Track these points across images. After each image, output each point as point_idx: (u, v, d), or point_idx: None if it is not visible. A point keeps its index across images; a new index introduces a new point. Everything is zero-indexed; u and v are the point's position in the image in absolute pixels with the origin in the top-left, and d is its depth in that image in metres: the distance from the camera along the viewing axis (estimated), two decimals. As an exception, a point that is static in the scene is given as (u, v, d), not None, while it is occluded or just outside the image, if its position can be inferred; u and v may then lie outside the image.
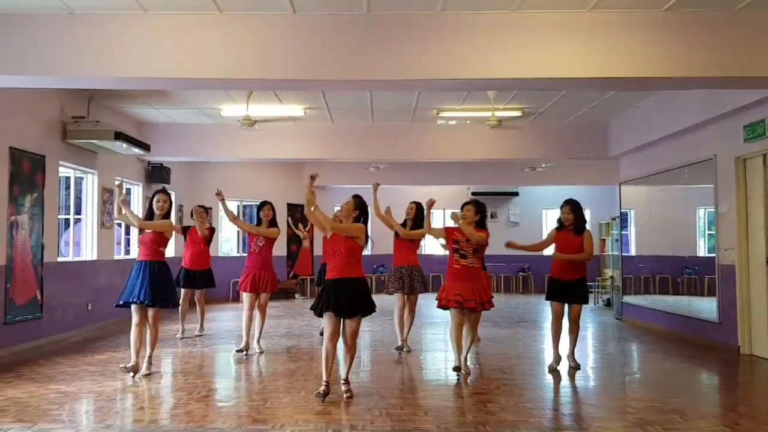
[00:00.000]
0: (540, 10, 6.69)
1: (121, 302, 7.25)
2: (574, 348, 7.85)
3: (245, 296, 8.80)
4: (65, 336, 10.02)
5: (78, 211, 11.13)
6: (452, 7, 6.65)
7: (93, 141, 10.26)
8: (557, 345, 7.92)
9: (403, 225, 8.79)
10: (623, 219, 13.47)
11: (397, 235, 8.77)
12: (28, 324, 9.06)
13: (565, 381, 7.30)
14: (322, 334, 10.12)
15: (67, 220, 10.87)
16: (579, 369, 7.70)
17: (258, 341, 8.86)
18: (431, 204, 7.73)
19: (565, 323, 7.85)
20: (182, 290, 10.21)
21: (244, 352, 8.68)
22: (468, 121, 12.36)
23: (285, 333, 10.68)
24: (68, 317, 10.23)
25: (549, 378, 7.51)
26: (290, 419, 5.57)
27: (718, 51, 6.62)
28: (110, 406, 6.14)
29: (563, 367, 7.80)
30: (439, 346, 9.55)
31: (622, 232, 13.58)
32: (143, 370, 7.23)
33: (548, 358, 8.77)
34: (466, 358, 7.28)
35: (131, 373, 7.15)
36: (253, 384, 7.27)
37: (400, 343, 8.93)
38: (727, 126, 9.22)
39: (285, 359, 8.42)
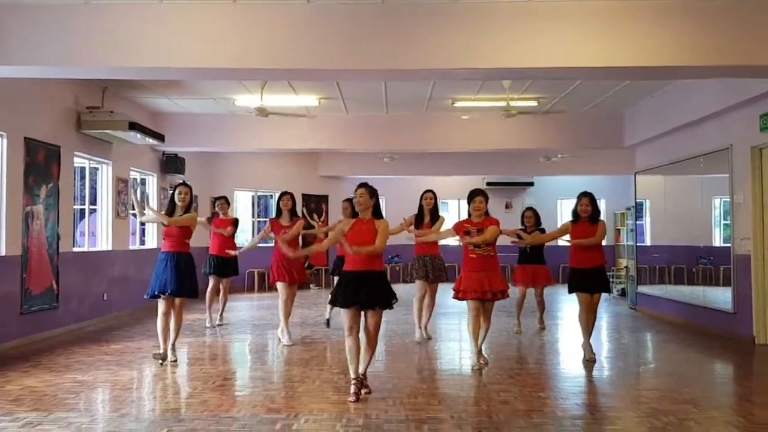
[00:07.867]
0: (555, -1, 6.65)
1: (153, 294, 7.39)
2: (589, 338, 7.70)
3: (279, 285, 8.79)
4: (81, 326, 10.10)
5: (93, 202, 11.20)
6: (466, -4, 6.62)
7: (107, 131, 10.31)
8: (589, 336, 7.75)
9: (420, 215, 8.76)
10: (638, 209, 13.41)
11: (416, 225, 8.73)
12: (44, 314, 9.15)
13: (578, 371, 7.28)
14: (327, 324, 10.19)
15: (82, 210, 10.95)
16: (595, 362, 7.58)
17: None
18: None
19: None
20: (210, 279, 10.27)
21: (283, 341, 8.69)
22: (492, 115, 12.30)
23: (300, 323, 10.71)
24: (84, 307, 10.31)
25: (563, 368, 7.52)
26: (305, 408, 5.60)
27: (735, 39, 6.56)
28: (126, 395, 6.20)
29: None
30: (453, 336, 9.55)
31: (637, 222, 13.53)
32: (170, 356, 7.43)
33: (562, 348, 8.78)
34: (480, 348, 7.19)
35: (161, 360, 7.37)
36: (268, 373, 7.30)
37: (417, 336, 8.88)
38: (743, 115, 9.13)
39: (300, 349, 8.44)
